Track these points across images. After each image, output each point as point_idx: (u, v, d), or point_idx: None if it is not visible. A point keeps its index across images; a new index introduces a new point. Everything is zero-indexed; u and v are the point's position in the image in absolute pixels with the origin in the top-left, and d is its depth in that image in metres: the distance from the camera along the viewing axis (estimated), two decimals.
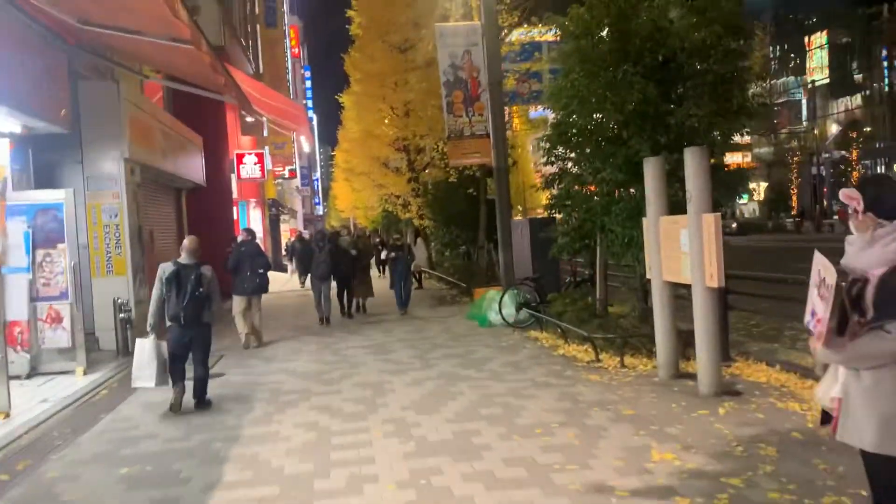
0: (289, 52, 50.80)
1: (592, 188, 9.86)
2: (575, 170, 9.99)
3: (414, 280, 19.78)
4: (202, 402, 7.56)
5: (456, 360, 9.37)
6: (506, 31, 16.25)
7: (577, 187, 9.66)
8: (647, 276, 8.01)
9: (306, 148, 62.34)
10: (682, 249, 7.04)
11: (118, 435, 6.75)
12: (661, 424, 5.95)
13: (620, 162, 8.46)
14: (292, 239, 42.30)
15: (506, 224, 13.59)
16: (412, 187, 23.36)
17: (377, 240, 26.19)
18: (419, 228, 21.90)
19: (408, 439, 5.96)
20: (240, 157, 23.60)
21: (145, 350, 7.28)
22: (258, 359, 10.48)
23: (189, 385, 7.54)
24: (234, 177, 24.95)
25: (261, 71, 33.30)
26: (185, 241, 7.70)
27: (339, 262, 13.04)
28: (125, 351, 11.10)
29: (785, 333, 9.84)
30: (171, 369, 7.36)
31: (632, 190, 8.54)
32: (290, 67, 50.27)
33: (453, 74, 14.07)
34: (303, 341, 11.78)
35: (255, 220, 31.43)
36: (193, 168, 17.24)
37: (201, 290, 7.29)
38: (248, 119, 30.67)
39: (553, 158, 10.33)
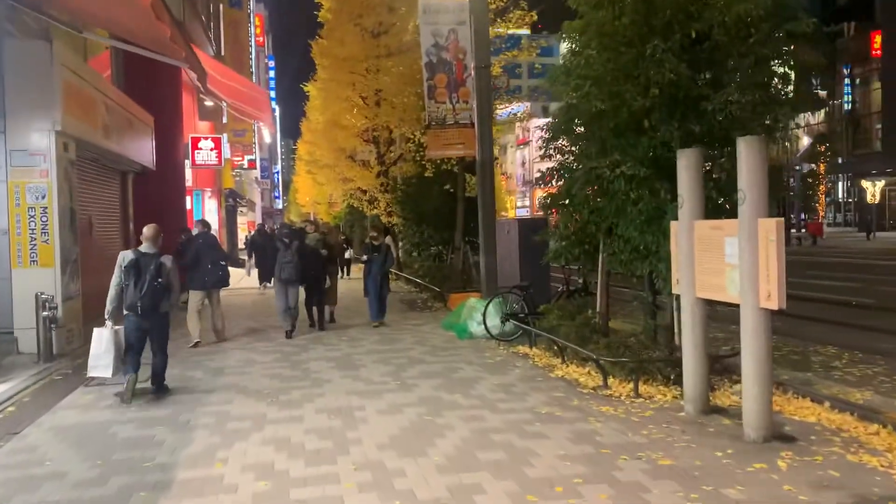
0: (253, 39, 48.85)
1: (592, 188, 8.68)
2: (576, 165, 8.73)
3: None
4: (161, 389, 7.57)
5: (437, 379, 8.02)
6: (492, 16, 14.90)
7: (580, 184, 8.35)
8: (674, 291, 6.76)
9: (267, 139, 60.40)
10: (728, 261, 5.80)
11: (14, 474, 5.25)
12: (714, 483, 4.67)
13: (641, 154, 7.20)
14: (252, 232, 40.59)
15: (490, 225, 12.28)
16: (381, 182, 21.95)
17: (341, 237, 24.54)
18: (388, 226, 20.43)
19: (390, 497, 4.59)
20: (195, 142, 21.91)
21: (103, 339, 7.29)
22: (203, 369, 8.99)
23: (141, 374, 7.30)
24: (188, 163, 23.24)
25: (222, 53, 31.51)
26: (145, 230, 7.57)
27: (307, 264, 10.78)
28: (48, 354, 9.53)
29: (812, 359, 8.71)
30: (126, 358, 7.32)
31: (654, 187, 7.26)
32: (253, 56, 48.35)
33: (437, 55, 12.69)
34: (257, 350, 10.31)
35: (210, 210, 29.65)
36: (142, 149, 15.59)
37: (160, 279, 7.25)
38: (207, 103, 28.93)
39: (552, 151, 9.06)
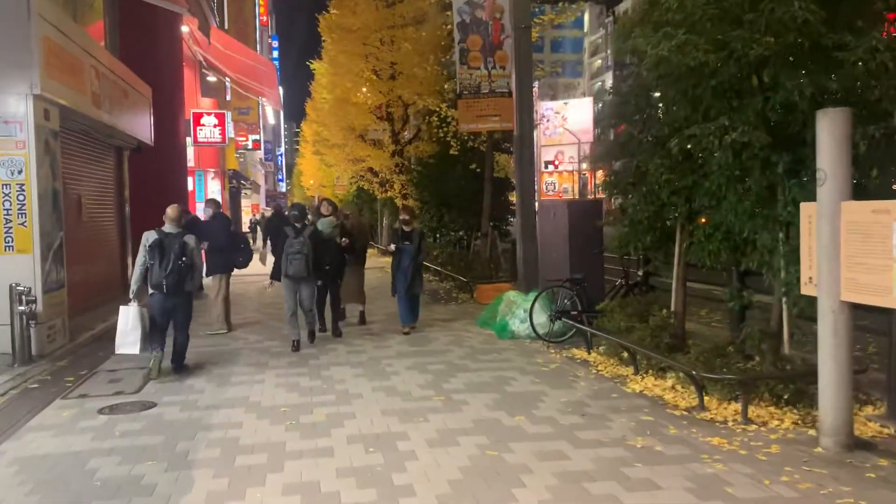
0: (257, 19, 47.23)
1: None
2: (648, 138, 7.30)
3: None
4: (181, 368, 7.76)
5: (489, 394, 6.61)
6: None
7: (662, 160, 6.91)
8: (804, 292, 5.34)
9: (271, 119, 58.91)
10: None
11: None
12: None
13: (752, 118, 5.76)
14: (256, 216, 39.11)
15: (528, 208, 10.85)
16: (396, 162, 20.49)
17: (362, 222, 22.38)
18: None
19: None
20: (197, 118, 20.42)
21: (129, 316, 7.37)
22: (207, 375, 7.60)
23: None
24: (189, 141, 21.79)
25: (226, 27, 29.96)
26: (169, 210, 7.68)
27: (322, 255, 8.71)
28: (25, 356, 8.16)
29: None
30: (151, 336, 7.44)
31: (768, 159, 5.80)
32: (257, 35, 46.72)
33: (470, 14, 11.17)
34: (269, 351, 8.90)
35: (213, 192, 28.14)
36: (138, 123, 14.14)
37: (184, 259, 7.41)
38: (210, 78, 27.49)
39: (616, 120, 7.62)
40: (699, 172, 6.62)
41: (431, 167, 17.29)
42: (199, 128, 20.31)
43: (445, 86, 17.56)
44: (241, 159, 37.78)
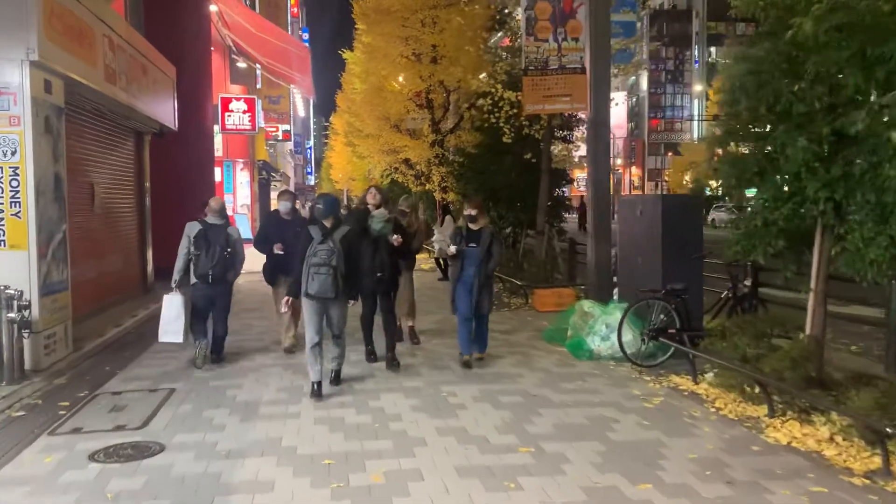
0: (288, 11, 46.02)
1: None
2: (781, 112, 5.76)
3: (439, 271, 15.53)
4: (219, 359, 7.72)
5: (589, 443, 5.12)
6: None
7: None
8: None
9: (301, 111, 57.82)
10: None
11: None
12: None
13: None
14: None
15: (602, 203, 9.33)
16: (435, 153, 19.02)
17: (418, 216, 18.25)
18: (445, 203, 17.41)
19: None
20: (225, 103, 19.14)
21: (174, 305, 7.43)
22: (227, 405, 6.19)
23: None
24: (217, 129, 20.53)
25: (256, 10, 28.71)
26: (212, 202, 7.77)
27: (367, 261, 6.73)
28: (15, 373, 6.84)
29: None
30: (195, 326, 7.56)
31: None
32: (288, 28, 45.51)
33: None
34: (303, 369, 7.48)
35: (241, 183, 27.03)
36: (160, 105, 12.83)
37: (229, 249, 7.46)
38: (240, 65, 26.26)
39: (743, 95, 6.08)
40: (869, 158, 5.07)
41: (477, 158, 15.75)
42: (227, 114, 19.04)
43: (497, 66, 16.10)
44: (271, 151, 36.61)
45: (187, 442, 5.19)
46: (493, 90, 11.94)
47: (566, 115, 13.49)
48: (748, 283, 7.84)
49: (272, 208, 12.45)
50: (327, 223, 6.08)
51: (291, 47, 23.01)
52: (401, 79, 19.93)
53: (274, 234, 8.00)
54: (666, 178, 73.78)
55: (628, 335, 7.48)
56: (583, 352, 7.86)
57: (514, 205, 14.01)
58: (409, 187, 26.11)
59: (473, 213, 7.23)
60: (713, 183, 7.17)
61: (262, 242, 8.13)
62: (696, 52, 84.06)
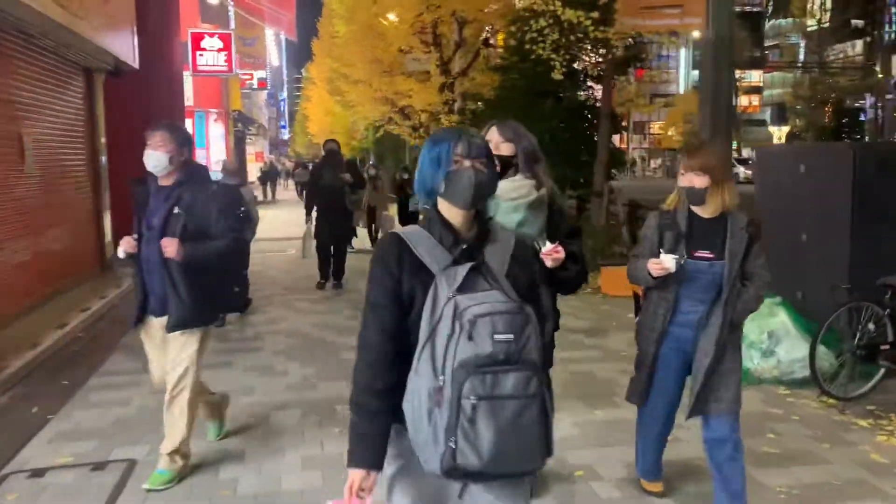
0: None
1: None
2: None
3: None
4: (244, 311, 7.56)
5: None
6: None
7: None
8: None
9: (274, 60, 54.33)
10: None
11: None
12: None
13: None
14: (265, 165, 35.23)
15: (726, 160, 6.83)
16: (445, 98, 16.41)
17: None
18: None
19: None
20: (196, 40, 16.24)
21: None
22: (243, 463, 3.73)
23: None
24: (187, 76, 17.62)
25: None
26: (225, 164, 8.18)
27: None
28: None
29: None
30: None
31: None
32: None
33: None
34: (335, 417, 5.02)
35: (216, 136, 24.13)
36: (116, 35, 10.03)
37: (243, 209, 6.89)
38: (210, 0, 23.17)
39: None
40: None
41: (503, 103, 13.12)
42: (199, 53, 16.11)
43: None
44: (246, 101, 33.57)
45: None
46: (545, 7, 9.20)
47: (641, 38, 10.63)
48: None
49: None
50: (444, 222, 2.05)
51: None
52: (392, 16, 17.22)
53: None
54: (654, 132, 71.25)
55: (824, 359, 5.09)
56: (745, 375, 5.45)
57: (562, 160, 11.37)
58: (403, 140, 23.47)
59: (703, 183, 3.19)
60: None
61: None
62: None
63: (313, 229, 9.57)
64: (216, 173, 8.55)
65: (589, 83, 11.83)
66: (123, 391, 5.34)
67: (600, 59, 10.27)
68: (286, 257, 12.35)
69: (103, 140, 10.61)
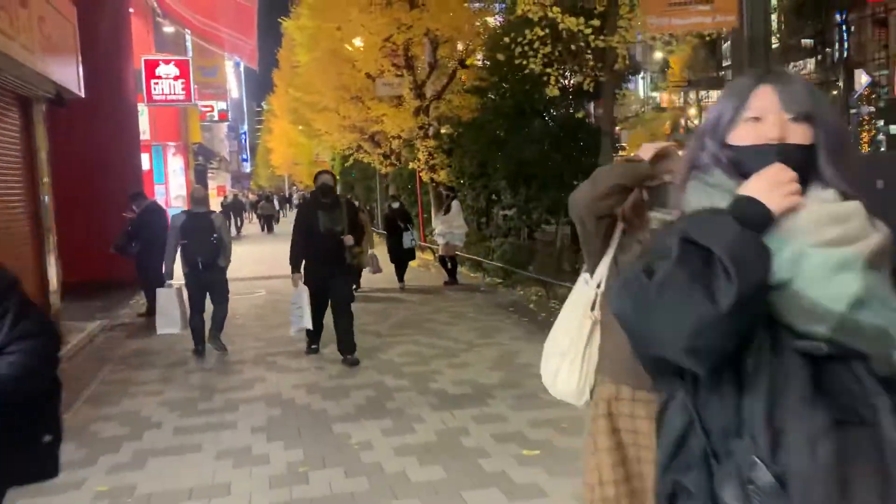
0: None
1: None
2: None
3: (444, 272, 12.00)
4: (217, 340, 7.57)
5: None
6: None
7: None
8: None
9: (234, 92, 53.16)
10: None
11: None
12: None
13: None
14: (228, 198, 34.01)
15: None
16: (420, 123, 15.45)
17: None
18: (449, 185, 13.78)
19: None
20: (151, 67, 15.06)
21: (170, 298, 7.49)
22: None
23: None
24: (142, 108, 16.43)
25: None
26: (195, 192, 8.28)
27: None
28: None
29: None
30: (193, 321, 7.45)
31: None
32: None
33: None
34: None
35: (174, 171, 22.87)
36: (56, 59, 8.89)
37: (215, 235, 7.28)
38: (166, 29, 22.09)
39: None
40: None
41: (483, 126, 12.15)
42: (153, 82, 14.93)
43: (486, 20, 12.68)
44: (206, 134, 32.38)
45: None
46: (542, 14, 8.14)
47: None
48: None
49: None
50: None
51: (233, 6, 18.94)
52: (358, 42, 16.34)
53: None
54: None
55: None
56: None
57: (556, 183, 10.37)
58: (373, 167, 22.62)
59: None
60: None
61: None
62: None
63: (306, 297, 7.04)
64: (176, 208, 7.64)
65: (585, 99, 10.97)
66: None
67: (598, 73, 9.37)
68: (256, 300, 11.19)
69: (46, 177, 9.42)
